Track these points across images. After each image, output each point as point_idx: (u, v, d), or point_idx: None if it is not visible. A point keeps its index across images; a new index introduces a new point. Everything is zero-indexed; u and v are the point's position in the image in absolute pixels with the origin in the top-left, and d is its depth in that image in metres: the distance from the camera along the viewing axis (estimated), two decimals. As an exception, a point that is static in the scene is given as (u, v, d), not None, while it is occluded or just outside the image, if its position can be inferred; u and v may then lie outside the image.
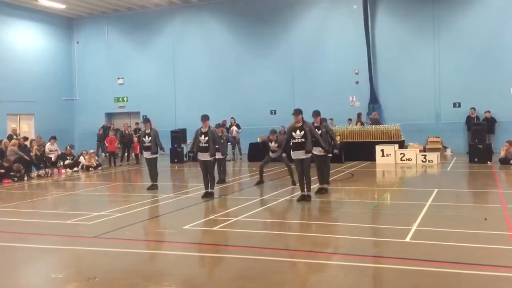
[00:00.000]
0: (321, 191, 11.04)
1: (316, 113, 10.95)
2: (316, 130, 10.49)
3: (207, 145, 10.98)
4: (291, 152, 10.29)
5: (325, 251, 6.71)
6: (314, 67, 23.90)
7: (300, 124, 10.07)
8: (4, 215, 10.04)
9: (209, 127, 11.17)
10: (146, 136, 12.88)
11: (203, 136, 11.02)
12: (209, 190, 11.15)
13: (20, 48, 25.77)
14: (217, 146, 11.17)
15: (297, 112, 10.14)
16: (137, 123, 24.83)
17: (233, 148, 21.98)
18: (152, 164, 13.04)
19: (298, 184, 10.67)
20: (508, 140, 16.99)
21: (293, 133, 10.08)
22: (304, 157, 10.03)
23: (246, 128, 22.99)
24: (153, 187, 12.87)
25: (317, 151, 10.63)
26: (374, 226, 8.42)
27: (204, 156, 11.11)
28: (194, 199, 11.14)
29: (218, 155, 12.30)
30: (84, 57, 28.50)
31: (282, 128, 20.22)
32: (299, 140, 10.01)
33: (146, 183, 13.68)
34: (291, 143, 10.20)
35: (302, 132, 9.99)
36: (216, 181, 12.21)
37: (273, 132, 13.27)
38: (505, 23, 21.07)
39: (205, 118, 11.12)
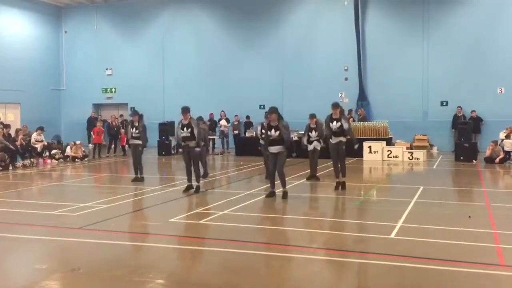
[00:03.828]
0: (341, 186, 11.18)
1: (336, 106, 11.24)
2: (335, 122, 11.02)
3: (189, 135, 10.97)
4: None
5: (311, 246, 6.74)
6: (304, 63, 23.91)
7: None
8: (-13, 205, 9.92)
9: (190, 118, 11.09)
10: (134, 128, 12.80)
11: (184, 128, 10.99)
12: (192, 183, 11.12)
13: (7, 36, 25.39)
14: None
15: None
16: (121, 115, 24.52)
17: (223, 142, 22.23)
18: (137, 154, 12.91)
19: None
20: (493, 140, 17.21)
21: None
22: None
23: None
24: (137, 179, 12.77)
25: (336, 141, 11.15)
26: (360, 222, 8.47)
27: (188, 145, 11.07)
28: (181, 192, 11.11)
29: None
30: (72, 47, 28.19)
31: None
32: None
33: (132, 175, 13.64)
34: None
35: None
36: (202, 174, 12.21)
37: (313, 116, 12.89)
38: (494, 23, 21.25)
39: (185, 110, 11.06)
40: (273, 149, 10.07)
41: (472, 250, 6.43)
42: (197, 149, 11.08)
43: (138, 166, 12.92)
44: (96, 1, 27.32)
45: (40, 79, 26.95)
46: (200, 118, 13.48)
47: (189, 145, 11.00)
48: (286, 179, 10.37)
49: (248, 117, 22.78)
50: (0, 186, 12.76)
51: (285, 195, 10.09)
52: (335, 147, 11.11)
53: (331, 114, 11.14)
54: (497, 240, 6.86)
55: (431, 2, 22.11)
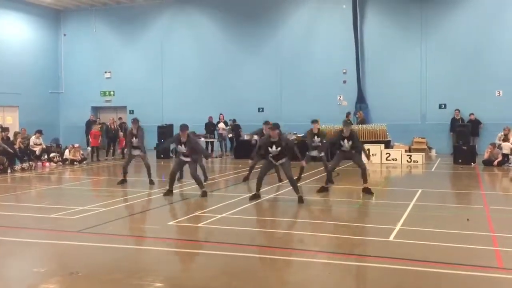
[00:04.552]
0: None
1: (347, 123, 11.36)
2: (345, 140, 11.01)
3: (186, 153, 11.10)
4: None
5: (310, 249, 6.73)
6: (302, 66, 23.95)
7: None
8: (-14, 208, 9.90)
9: (188, 136, 11.04)
10: (134, 137, 12.86)
11: (183, 145, 10.96)
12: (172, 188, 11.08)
13: (6, 39, 25.41)
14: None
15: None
16: (120, 118, 24.52)
17: (221, 145, 22.29)
18: (145, 162, 13.06)
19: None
20: (492, 143, 17.24)
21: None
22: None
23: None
24: (125, 182, 13.00)
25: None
26: (359, 224, 8.47)
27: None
28: (179, 195, 11.11)
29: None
30: (71, 50, 28.20)
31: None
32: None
33: (131, 178, 13.62)
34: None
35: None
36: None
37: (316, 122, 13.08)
38: (492, 26, 21.32)
39: (184, 128, 10.96)
40: (276, 162, 10.22)
41: (471, 253, 6.43)
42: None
43: (148, 172, 13.01)
44: (95, 5, 27.34)
45: (39, 82, 26.95)
46: (193, 134, 13.52)
47: (185, 160, 11.09)
48: (285, 182, 10.38)
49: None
50: (-2, 190, 12.74)
51: (300, 199, 9.97)
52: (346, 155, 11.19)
53: (342, 131, 11.08)
54: (495, 243, 6.86)
55: (429, 6, 22.19)
